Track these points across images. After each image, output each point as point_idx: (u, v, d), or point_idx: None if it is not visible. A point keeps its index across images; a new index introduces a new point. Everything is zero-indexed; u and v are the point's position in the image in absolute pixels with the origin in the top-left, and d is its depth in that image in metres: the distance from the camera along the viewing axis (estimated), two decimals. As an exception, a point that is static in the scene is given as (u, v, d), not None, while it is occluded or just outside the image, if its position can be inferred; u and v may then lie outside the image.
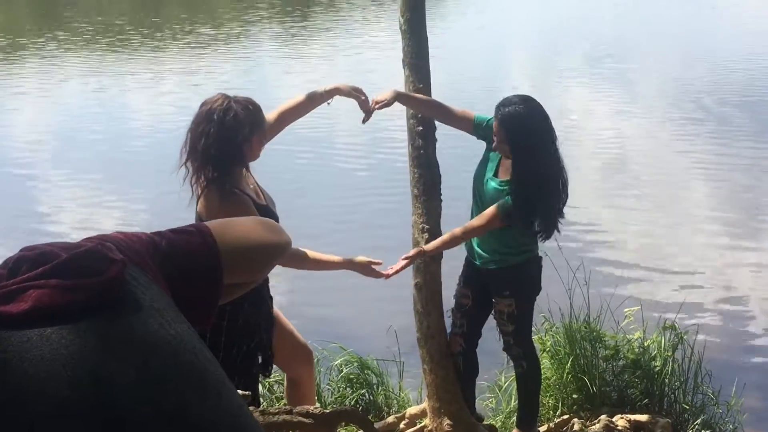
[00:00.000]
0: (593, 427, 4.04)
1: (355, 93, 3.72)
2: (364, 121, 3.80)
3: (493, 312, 4.02)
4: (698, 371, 4.46)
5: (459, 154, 5.25)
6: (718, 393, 4.45)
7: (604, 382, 4.45)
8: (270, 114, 3.49)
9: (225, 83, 12.85)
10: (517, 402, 4.24)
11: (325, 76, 12.83)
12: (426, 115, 3.96)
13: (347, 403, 4.44)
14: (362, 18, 22.33)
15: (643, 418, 4.15)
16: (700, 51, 16.83)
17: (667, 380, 4.41)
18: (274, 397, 4.42)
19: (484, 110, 3.90)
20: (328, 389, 4.61)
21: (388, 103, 3.77)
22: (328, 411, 2.95)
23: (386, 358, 4.79)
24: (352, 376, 4.63)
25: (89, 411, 0.97)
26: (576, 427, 4.06)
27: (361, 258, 3.55)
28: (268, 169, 4.32)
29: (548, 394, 4.48)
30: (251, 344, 3.31)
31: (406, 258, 3.78)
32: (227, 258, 1.29)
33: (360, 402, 4.55)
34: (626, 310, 4.72)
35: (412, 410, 4.28)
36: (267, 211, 3.24)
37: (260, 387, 4.01)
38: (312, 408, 2.95)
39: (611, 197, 8.65)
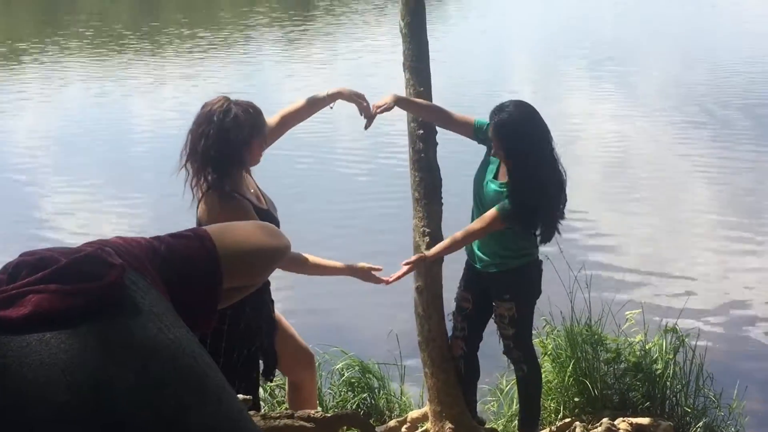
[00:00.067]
0: (595, 430, 4.03)
1: (357, 98, 3.72)
2: (366, 127, 3.80)
3: (493, 315, 4.02)
4: (700, 374, 4.45)
5: (460, 158, 5.25)
6: (719, 396, 4.44)
7: (605, 385, 4.44)
8: (271, 118, 3.49)
9: (226, 87, 12.85)
10: (518, 405, 4.24)
11: (325, 80, 12.83)
12: (426, 119, 3.95)
13: (349, 407, 4.44)
14: (363, 22, 22.34)
15: (644, 421, 4.14)
16: (700, 51, 16.87)
17: (668, 383, 4.40)
18: (275, 401, 4.42)
19: (485, 114, 3.89)
20: (330, 393, 4.60)
21: (388, 108, 3.77)
22: (329, 415, 2.96)
23: (387, 361, 4.78)
24: (353, 380, 4.62)
25: (89, 416, 0.97)
26: (578, 430, 4.05)
27: (361, 264, 3.57)
28: (269, 173, 4.32)
29: (550, 397, 4.47)
30: (252, 348, 3.31)
31: (407, 264, 3.79)
32: (226, 262, 1.28)
33: (361, 406, 4.54)
34: (627, 313, 4.71)
35: (413, 414, 4.28)
36: (268, 215, 3.24)
37: (261, 391, 4.01)
38: (313, 412, 2.95)
39: (613, 201, 8.66)
